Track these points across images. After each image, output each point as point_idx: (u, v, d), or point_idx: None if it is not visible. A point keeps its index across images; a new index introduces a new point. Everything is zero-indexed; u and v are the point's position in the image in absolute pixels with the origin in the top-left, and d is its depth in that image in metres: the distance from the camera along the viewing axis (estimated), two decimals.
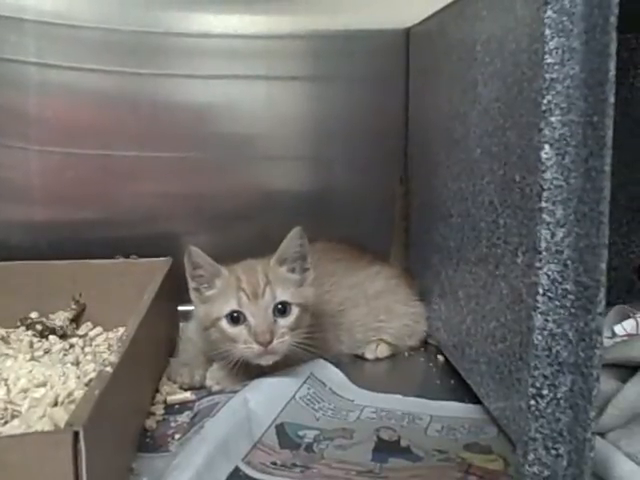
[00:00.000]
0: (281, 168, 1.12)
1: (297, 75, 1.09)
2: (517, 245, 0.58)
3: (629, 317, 0.89)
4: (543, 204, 0.50)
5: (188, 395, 0.78)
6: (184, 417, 0.74)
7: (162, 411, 0.75)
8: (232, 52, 1.07)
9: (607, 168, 0.49)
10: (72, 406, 0.63)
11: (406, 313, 0.93)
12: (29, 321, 0.91)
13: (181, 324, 0.94)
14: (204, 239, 1.09)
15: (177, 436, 0.70)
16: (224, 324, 0.77)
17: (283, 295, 0.78)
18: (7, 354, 0.81)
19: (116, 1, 1.04)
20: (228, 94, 1.08)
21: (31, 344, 0.86)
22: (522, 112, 0.57)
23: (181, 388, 0.80)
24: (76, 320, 0.94)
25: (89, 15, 1.02)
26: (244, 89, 1.08)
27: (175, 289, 0.88)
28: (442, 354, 0.90)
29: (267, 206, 1.10)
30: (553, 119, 0.49)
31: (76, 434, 0.47)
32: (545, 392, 0.51)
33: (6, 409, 0.67)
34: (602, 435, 0.63)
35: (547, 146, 0.50)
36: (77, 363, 0.80)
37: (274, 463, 0.64)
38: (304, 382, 0.79)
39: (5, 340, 0.87)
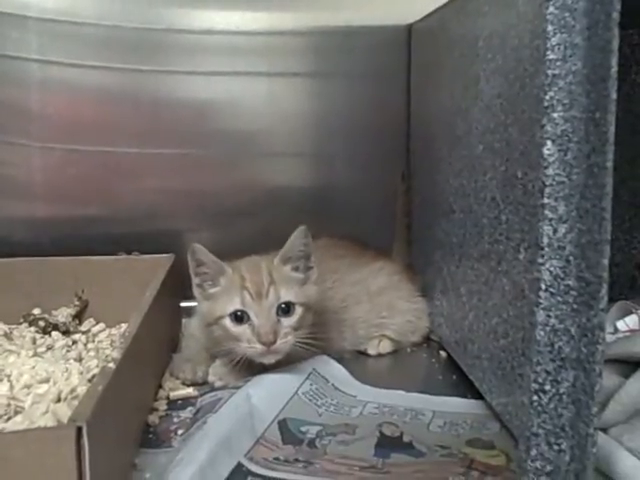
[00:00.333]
0: (283, 164, 1.12)
1: (299, 71, 1.09)
2: (519, 241, 0.58)
3: (631, 313, 0.89)
4: (545, 200, 0.50)
5: (191, 391, 0.78)
6: (187, 413, 0.74)
7: (165, 407, 0.75)
8: (234, 49, 1.07)
9: (609, 164, 0.49)
10: (75, 402, 0.63)
11: (408, 309, 0.93)
12: (32, 317, 0.91)
13: (184, 320, 0.95)
14: (206, 235, 1.09)
15: (180, 432, 0.70)
16: (227, 323, 0.77)
17: (287, 295, 0.78)
18: (10, 350, 0.81)
19: None
20: (230, 91, 1.08)
21: (34, 340, 0.86)
22: (524, 108, 0.57)
23: (184, 384, 0.80)
24: (79, 316, 0.94)
25: (91, 12, 1.02)
26: (246, 86, 1.08)
27: (177, 285, 0.89)
28: (444, 350, 0.90)
29: (269, 202, 1.09)
30: (555, 115, 0.49)
31: (79, 430, 0.47)
32: (547, 388, 0.51)
33: (9, 405, 0.67)
34: (604, 430, 0.63)
35: (549, 142, 0.49)
36: (80, 359, 0.80)
37: (277, 459, 0.64)
38: (307, 378, 0.79)
39: (8, 336, 0.87)
